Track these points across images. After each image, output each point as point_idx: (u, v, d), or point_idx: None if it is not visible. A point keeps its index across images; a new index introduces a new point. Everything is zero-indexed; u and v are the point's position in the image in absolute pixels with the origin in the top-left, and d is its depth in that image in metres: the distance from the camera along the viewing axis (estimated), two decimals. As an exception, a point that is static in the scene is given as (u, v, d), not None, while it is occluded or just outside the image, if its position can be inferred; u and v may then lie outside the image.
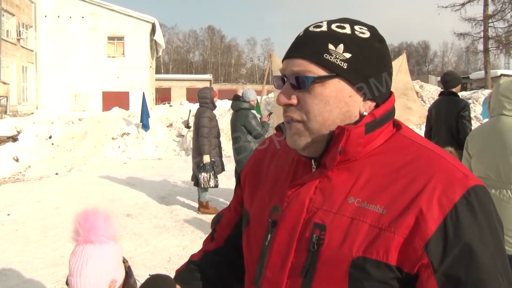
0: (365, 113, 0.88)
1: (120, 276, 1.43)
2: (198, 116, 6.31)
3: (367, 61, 0.88)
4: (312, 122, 0.87)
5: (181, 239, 5.29)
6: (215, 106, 6.45)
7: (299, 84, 0.87)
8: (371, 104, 0.90)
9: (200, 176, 6.09)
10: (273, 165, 1.05)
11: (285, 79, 0.91)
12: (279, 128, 1.03)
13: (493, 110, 2.83)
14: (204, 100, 6.34)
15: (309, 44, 0.87)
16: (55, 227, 5.69)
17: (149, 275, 1.22)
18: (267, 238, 0.93)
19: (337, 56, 0.86)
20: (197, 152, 6.28)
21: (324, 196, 0.88)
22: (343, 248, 0.81)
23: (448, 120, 4.66)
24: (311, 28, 0.91)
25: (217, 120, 6.54)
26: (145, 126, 13.59)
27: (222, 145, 6.82)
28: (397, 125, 0.94)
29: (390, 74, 0.92)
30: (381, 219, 0.80)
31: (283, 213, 0.91)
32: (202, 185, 6.11)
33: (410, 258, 0.77)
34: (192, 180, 6.59)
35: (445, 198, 0.77)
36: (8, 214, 6.36)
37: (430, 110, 5.05)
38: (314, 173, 0.91)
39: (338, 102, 0.87)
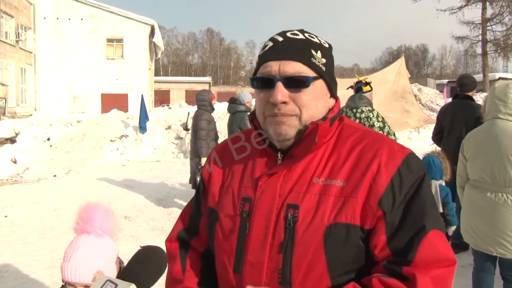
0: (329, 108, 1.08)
1: (111, 271, 1.45)
2: (196, 118, 6.32)
3: (332, 65, 1.08)
4: (304, 115, 1.01)
5: (178, 242, 5.27)
6: (213, 109, 6.46)
7: (298, 83, 1.00)
8: (333, 101, 1.10)
9: (198, 178, 6.09)
10: (234, 163, 1.15)
11: (274, 79, 1.00)
12: (258, 133, 1.11)
13: (488, 114, 2.84)
14: (202, 102, 6.34)
15: (297, 49, 1.01)
16: (53, 229, 5.69)
17: (140, 246, 1.24)
18: (245, 227, 1.03)
19: (319, 61, 1.03)
20: (195, 154, 6.28)
21: (292, 181, 1.02)
22: (315, 220, 0.96)
23: (466, 125, 4.34)
24: (289, 35, 1.04)
25: (215, 122, 6.55)
26: (142, 128, 13.57)
27: (220, 147, 6.80)
28: (340, 117, 1.12)
29: None
30: (343, 190, 0.98)
31: (257, 202, 1.03)
32: (200, 187, 6.12)
33: (369, 215, 0.96)
34: (190, 182, 6.59)
35: (390, 164, 0.98)
36: (6, 216, 6.35)
37: (443, 112, 4.85)
38: (284, 163, 1.05)
39: (321, 98, 1.05)
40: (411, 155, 1.01)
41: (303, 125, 1.02)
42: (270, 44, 1.04)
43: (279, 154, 1.06)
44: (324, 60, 1.04)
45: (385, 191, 0.95)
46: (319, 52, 1.03)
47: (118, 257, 1.58)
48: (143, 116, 13.64)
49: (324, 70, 1.04)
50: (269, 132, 1.04)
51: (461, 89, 4.74)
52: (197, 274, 1.16)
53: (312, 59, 1.02)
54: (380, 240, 0.95)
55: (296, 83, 0.99)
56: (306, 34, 1.05)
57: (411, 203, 0.97)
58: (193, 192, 6.93)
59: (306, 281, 0.96)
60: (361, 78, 4.86)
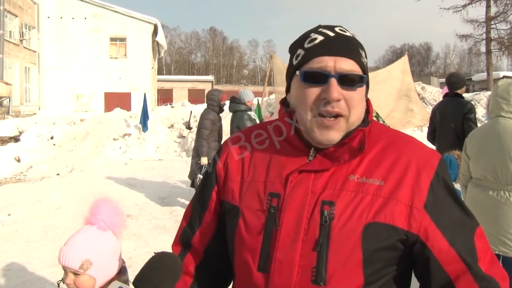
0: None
1: (103, 265, 1.45)
2: (202, 117, 6.32)
3: None
4: (352, 116, 0.98)
5: (180, 240, 5.28)
6: (221, 110, 6.40)
7: (354, 81, 0.97)
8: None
9: (197, 178, 6.08)
10: (255, 157, 1.10)
11: (329, 75, 0.96)
12: (278, 128, 1.09)
13: (491, 112, 2.83)
14: (211, 102, 6.33)
15: (350, 47, 0.99)
16: (56, 228, 5.71)
17: (154, 252, 1.24)
18: (273, 222, 0.98)
19: (364, 61, 1.01)
20: (197, 152, 6.28)
21: (325, 178, 0.99)
22: (353, 218, 0.94)
23: (454, 122, 4.60)
24: (338, 31, 1.00)
25: (221, 123, 6.49)
26: (144, 127, 13.60)
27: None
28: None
29: None
30: (381, 189, 0.96)
31: (288, 197, 0.99)
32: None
33: (416, 219, 0.95)
34: (189, 178, 6.59)
35: (428, 168, 0.99)
36: (9, 214, 6.38)
37: (434, 111, 4.99)
38: (319, 161, 1.00)
39: (363, 99, 1.02)
40: (441, 158, 1.04)
41: (348, 128, 0.98)
42: (320, 38, 0.99)
43: (311, 151, 1.02)
44: (366, 60, 1.02)
45: (428, 194, 0.96)
46: (363, 52, 1.01)
47: (121, 258, 1.58)
48: (144, 115, 13.67)
49: (367, 70, 1.02)
50: (312, 133, 0.98)
51: (449, 87, 4.85)
52: (188, 282, 1.19)
53: (361, 58, 0.99)
54: (441, 244, 0.97)
55: (351, 81, 0.96)
56: (349, 32, 1.03)
57: (454, 203, 1.00)
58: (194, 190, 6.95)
59: (341, 279, 0.94)
60: None
